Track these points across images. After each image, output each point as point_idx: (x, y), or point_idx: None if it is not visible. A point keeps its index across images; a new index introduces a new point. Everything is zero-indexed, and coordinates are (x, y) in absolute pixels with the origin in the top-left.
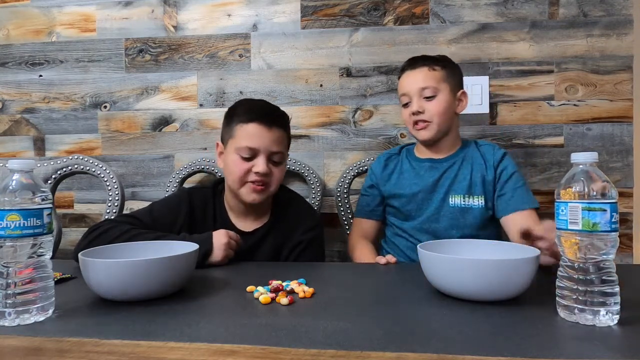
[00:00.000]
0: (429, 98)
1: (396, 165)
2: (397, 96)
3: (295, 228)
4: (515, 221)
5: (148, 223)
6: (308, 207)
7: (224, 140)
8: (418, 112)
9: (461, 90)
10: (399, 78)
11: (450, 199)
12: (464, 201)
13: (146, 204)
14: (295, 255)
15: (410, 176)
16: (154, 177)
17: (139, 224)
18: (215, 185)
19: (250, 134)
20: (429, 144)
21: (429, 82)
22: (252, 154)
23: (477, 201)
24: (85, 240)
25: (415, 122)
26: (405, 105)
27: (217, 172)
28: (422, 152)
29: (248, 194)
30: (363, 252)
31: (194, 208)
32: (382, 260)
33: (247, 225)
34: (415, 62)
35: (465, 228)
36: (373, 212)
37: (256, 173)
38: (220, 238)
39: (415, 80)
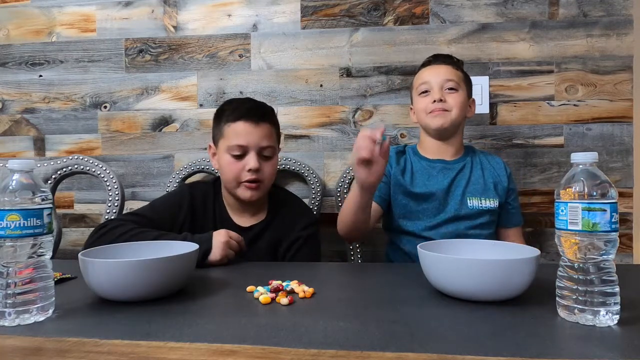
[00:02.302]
0: (450, 90)
1: (406, 163)
2: (411, 89)
3: (292, 225)
4: (512, 234)
5: (152, 218)
6: (305, 206)
7: (215, 141)
8: (440, 100)
9: (471, 98)
10: (417, 71)
11: (468, 201)
12: (480, 203)
13: (146, 204)
14: (292, 251)
15: (423, 176)
16: (154, 177)
17: (144, 220)
18: (214, 181)
19: (238, 132)
20: (439, 134)
21: (453, 77)
22: (243, 152)
23: (492, 203)
24: (90, 239)
25: (432, 111)
26: (423, 93)
27: (216, 172)
28: (428, 152)
29: (244, 193)
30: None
31: (194, 203)
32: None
33: (244, 220)
34: (439, 58)
35: (482, 228)
36: (381, 197)
37: (249, 170)
38: (219, 237)
39: (439, 73)
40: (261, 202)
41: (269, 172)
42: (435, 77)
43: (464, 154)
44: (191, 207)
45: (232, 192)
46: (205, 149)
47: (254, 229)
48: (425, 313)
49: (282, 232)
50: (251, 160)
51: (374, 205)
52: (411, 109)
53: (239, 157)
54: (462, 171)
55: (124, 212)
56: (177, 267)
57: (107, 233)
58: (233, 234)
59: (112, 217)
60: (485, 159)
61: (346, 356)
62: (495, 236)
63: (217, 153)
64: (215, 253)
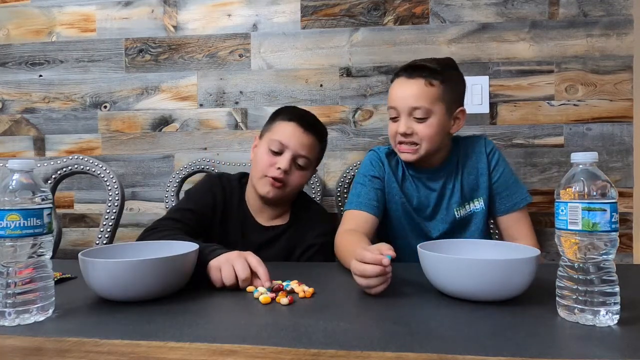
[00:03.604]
0: (419, 119)
1: (398, 167)
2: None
3: (309, 231)
4: (508, 222)
5: (195, 210)
6: (324, 213)
7: (262, 135)
8: (405, 134)
9: (459, 109)
10: (392, 81)
11: (455, 212)
12: (466, 208)
13: (146, 203)
14: (306, 257)
15: (412, 187)
16: (154, 177)
17: (189, 215)
18: (240, 178)
19: (285, 130)
20: (412, 164)
21: (422, 102)
22: (280, 150)
23: (478, 203)
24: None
25: (400, 142)
26: (393, 119)
27: (213, 170)
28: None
29: (264, 186)
30: (355, 243)
31: (225, 191)
32: (386, 261)
33: (263, 219)
34: (413, 70)
35: (473, 232)
36: (376, 207)
37: (278, 168)
38: (232, 252)
39: (408, 96)
40: (281, 205)
41: (295, 181)
42: (403, 100)
43: (451, 157)
44: (223, 194)
45: (255, 184)
46: (205, 148)
47: (273, 230)
48: (425, 313)
49: (298, 239)
50: (283, 161)
51: (372, 218)
52: None
53: (275, 154)
54: (447, 181)
55: (124, 212)
56: (177, 267)
57: (150, 237)
58: (254, 261)
59: (163, 217)
60: (467, 151)
61: (346, 356)
62: (497, 230)
63: (258, 145)
64: (213, 262)
